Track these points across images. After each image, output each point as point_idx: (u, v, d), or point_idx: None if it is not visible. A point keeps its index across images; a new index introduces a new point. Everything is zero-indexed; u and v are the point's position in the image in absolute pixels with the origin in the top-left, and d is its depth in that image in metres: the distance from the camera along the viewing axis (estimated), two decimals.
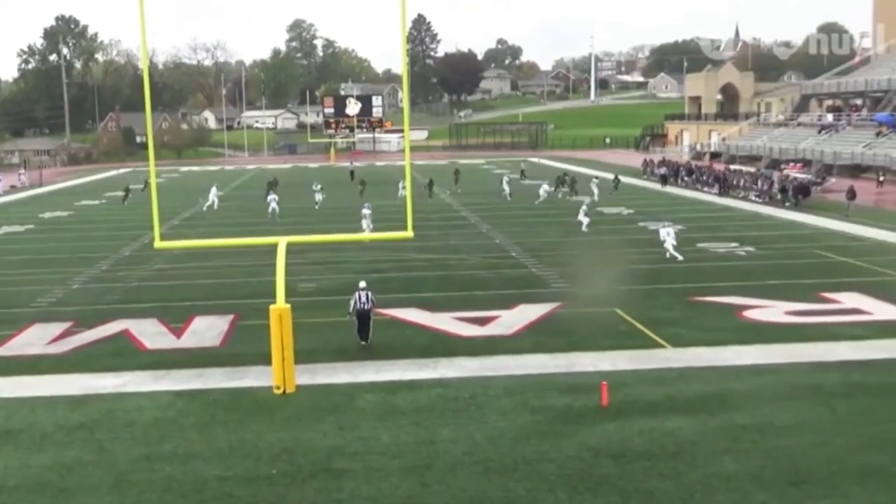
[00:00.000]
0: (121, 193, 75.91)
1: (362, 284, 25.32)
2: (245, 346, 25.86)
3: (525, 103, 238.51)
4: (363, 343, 24.98)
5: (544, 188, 66.32)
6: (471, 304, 30.84)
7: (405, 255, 41.31)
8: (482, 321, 28.54)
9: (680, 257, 39.24)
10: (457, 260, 40.08)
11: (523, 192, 70.48)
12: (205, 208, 65.35)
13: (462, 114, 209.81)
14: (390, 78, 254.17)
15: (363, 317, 24.90)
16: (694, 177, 78.68)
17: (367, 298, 24.80)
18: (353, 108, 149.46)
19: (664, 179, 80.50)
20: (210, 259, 41.59)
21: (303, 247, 37.13)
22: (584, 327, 27.61)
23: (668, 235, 40.52)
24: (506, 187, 69.53)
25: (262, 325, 25.31)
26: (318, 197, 65.33)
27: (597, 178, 71.28)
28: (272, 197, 59.39)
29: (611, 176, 79.37)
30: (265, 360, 23.25)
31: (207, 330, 28.07)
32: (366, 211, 48.18)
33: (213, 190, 70.39)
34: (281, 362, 21.72)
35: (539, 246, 43.36)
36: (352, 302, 25.09)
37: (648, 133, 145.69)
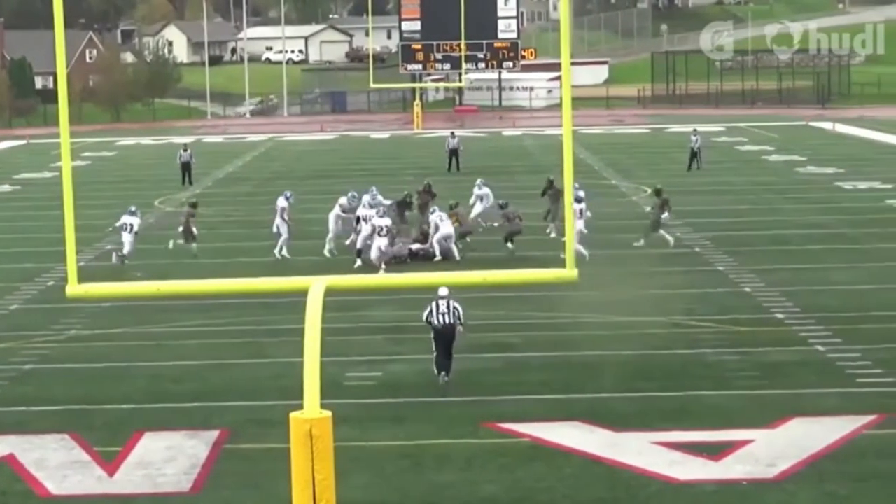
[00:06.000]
0: (7, 189, 53.24)
1: (444, 291, 20.88)
2: (238, 495, 17.73)
3: (805, 10, 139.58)
4: (444, 380, 20.77)
5: None
6: (689, 416, 20.84)
7: (561, 314, 27.18)
8: (714, 450, 19.11)
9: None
10: (663, 325, 26.26)
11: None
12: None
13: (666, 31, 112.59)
14: None
15: (445, 335, 20.59)
16: None
17: (449, 309, 20.71)
18: (457, 21, 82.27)
19: None
20: (174, 318, 27.48)
21: (361, 298, 27.13)
22: None
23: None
24: None
25: (270, 452, 18.45)
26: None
27: None
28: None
29: None
30: None
31: (167, 460, 19.44)
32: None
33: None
34: None
35: (836, 301, 27.75)
36: (427, 312, 20.98)
37: None
